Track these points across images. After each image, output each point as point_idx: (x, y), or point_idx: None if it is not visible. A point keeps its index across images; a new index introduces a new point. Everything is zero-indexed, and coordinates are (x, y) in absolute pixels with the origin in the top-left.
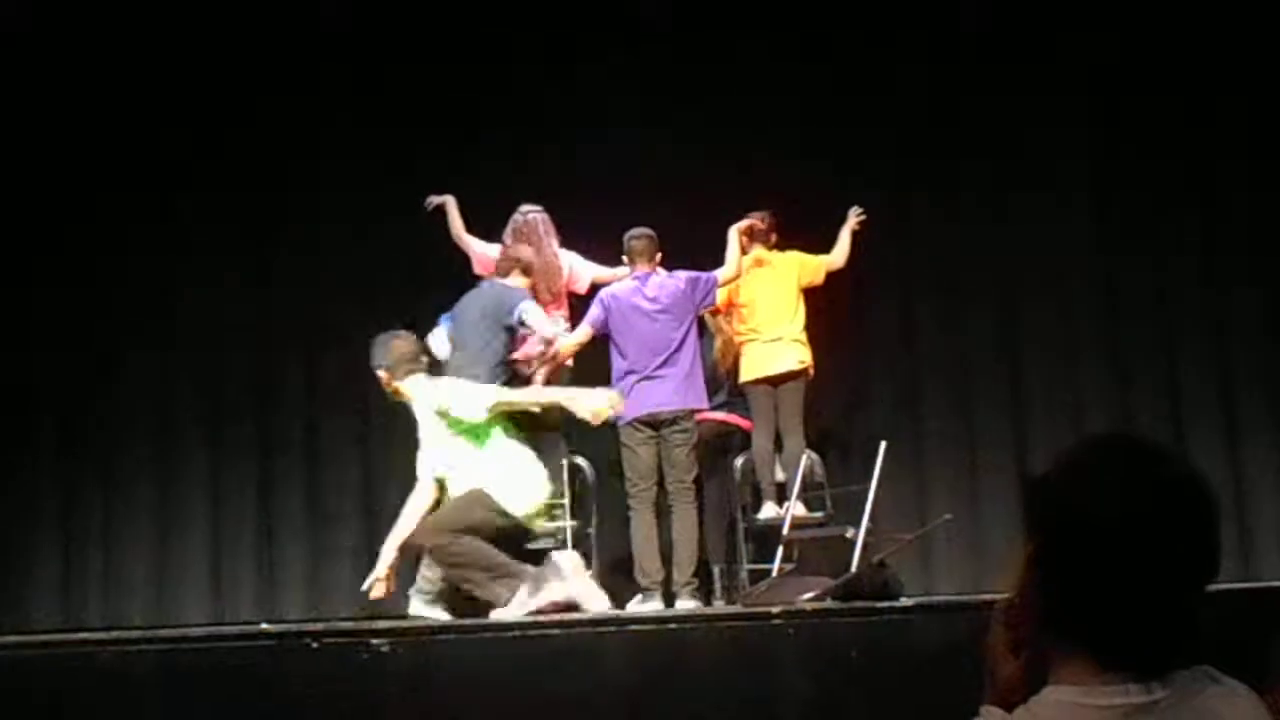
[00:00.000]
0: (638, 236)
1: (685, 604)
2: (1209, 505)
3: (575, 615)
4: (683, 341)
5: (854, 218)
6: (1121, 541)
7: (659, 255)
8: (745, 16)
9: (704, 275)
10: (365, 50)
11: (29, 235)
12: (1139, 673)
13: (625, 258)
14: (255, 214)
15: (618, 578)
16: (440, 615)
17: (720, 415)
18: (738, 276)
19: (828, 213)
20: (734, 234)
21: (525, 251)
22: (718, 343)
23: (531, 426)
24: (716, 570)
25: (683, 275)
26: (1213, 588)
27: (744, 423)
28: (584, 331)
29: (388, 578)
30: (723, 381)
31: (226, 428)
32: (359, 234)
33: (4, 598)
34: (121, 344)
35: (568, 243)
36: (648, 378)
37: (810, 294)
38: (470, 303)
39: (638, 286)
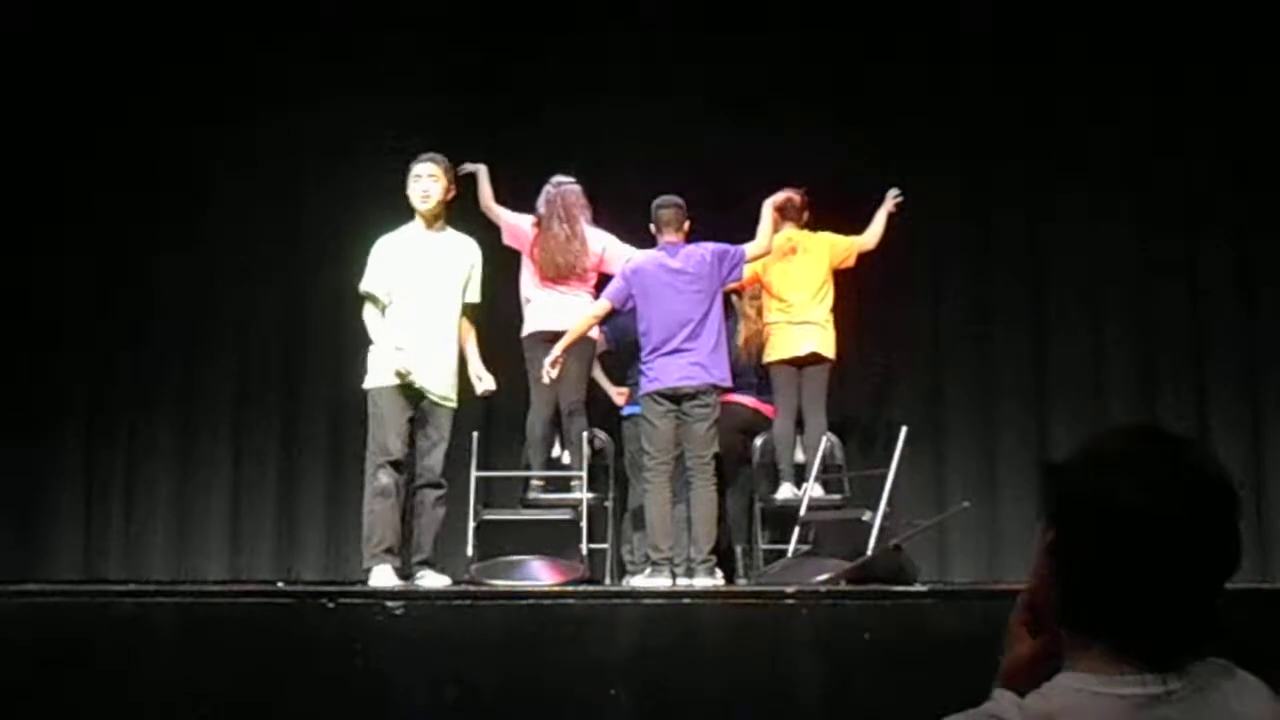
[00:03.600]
0: (666, 205)
1: (702, 581)
2: (1232, 499)
3: (590, 586)
4: (707, 314)
5: (891, 200)
6: (1143, 532)
7: (687, 225)
8: (756, 15)
9: (733, 248)
10: (363, 51)
11: (34, 229)
12: (1155, 664)
13: (652, 227)
14: (263, 208)
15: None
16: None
17: (749, 400)
18: (768, 252)
19: (847, 210)
20: (768, 208)
21: None
22: (741, 327)
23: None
24: (739, 550)
25: (710, 247)
26: (1229, 586)
27: (771, 410)
28: (602, 305)
29: None
30: (747, 366)
31: (251, 387)
32: (389, 212)
33: (27, 552)
34: (149, 304)
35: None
36: (671, 352)
37: (838, 279)
38: None
39: (664, 257)
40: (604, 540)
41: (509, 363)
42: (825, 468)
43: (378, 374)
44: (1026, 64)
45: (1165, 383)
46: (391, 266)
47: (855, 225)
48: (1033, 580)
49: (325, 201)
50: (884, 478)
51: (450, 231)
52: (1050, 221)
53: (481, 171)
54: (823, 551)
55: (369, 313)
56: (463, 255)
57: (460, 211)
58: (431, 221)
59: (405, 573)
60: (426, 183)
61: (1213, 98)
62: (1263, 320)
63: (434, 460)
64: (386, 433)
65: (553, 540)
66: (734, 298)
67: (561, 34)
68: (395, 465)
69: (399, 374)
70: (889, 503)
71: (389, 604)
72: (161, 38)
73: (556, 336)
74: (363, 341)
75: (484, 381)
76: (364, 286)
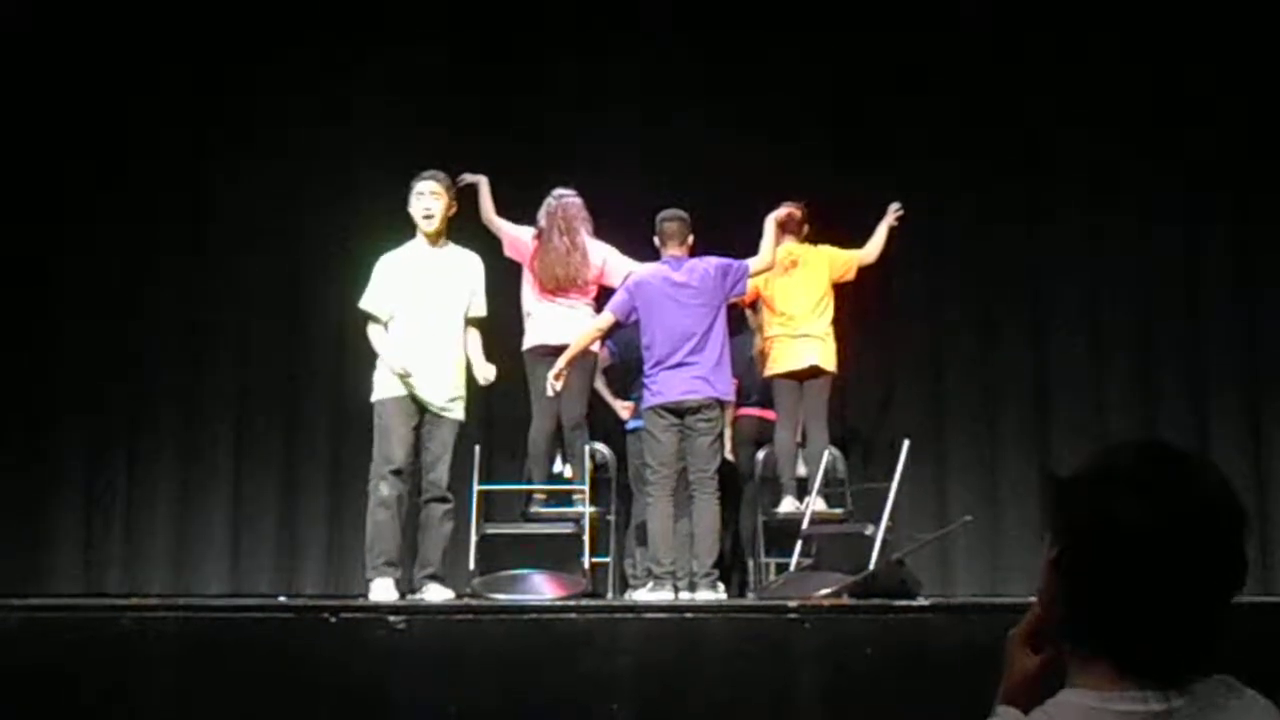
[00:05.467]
0: (670, 218)
1: (704, 595)
2: (1238, 518)
3: (592, 601)
4: (711, 328)
5: (892, 213)
6: (1149, 549)
7: (691, 238)
8: (766, 16)
9: (736, 263)
10: (365, 57)
11: (34, 230)
12: (1159, 681)
13: (656, 239)
14: (265, 213)
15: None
16: None
17: (759, 411)
18: (771, 267)
19: (849, 218)
20: (770, 223)
21: None
22: (757, 339)
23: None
24: (751, 564)
25: (714, 261)
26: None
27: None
28: (606, 318)
29: None
30: (760, 379)
31: (252, 400)
32: (391, 223)
33: (26, 564)
34: (149, 315)
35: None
36: (675, 365)
37: (840, 290)
38: None
39: (667, 270)
40: (606, 554)
41: (510, 376)
42: (827, 481)
43: (383, 387)
44: (1026, 68)
45: (1167, 393)
46: (394, 284)
47: (855, 236)
48: (1038, 596)
49: (328, 208)
50: (886, 491)
51: (452, 247)
52: (1051, 231)
53: (482, 183)
54: (825, 565)
55: (372, 330)
56: (465, 270)
57: (461, 223)
58: (434, 239)
59: (411, 586)
60: (429, 200)
61: (1213, 100)
62: (1264, 328)
63: (439, 474)
64: (390, 442)
65: (555, 554)
66: (748, 312)
67: (562, 43)
68: (397, 474)
69: (400, 375)
70: (891, 516)
71: (391, 619)
72: (162, 38)
73: (557, 350)
74: (364, 354)
75: (485, 372)
76: (363, 304)
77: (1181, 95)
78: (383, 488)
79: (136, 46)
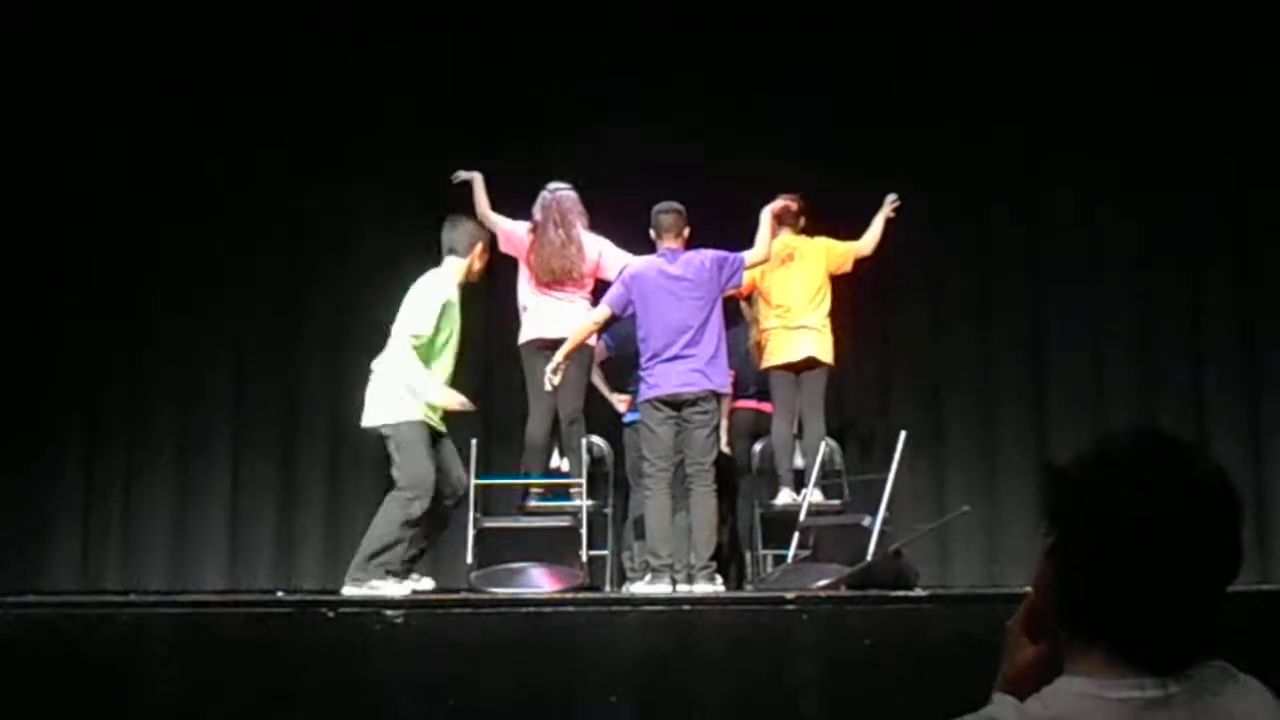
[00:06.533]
0: (665, 211)
1: (702, 587)
2: (1234, 507)
3: (590, 594)
4: (707, 321)
5: (889, 205)
6: (1146, 538)
7: (687, 231)
8: (766, 16)
9: (732, 255)
10: (364, 52)
11: (34, 231)
12: (1155, 668)
13: (652, 232)
14: (265, 212)
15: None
16: None
17: (755, 404)
18: (767, 260)
19: (847, 211)
20: (766, 215)
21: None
22: (752, 332)
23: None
24: (749, 556)
25: (710, 253)
26: (1230, 588)
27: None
28: (602, 311)
29: None
30: (757, 371)
31: (249, 396)
32: (389, 218)
33: (25, 561)
34: (149, 315)
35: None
36: (671, 358)
37: (837, 282)
38: None
39: (663, 263)
40: (603, 547)
41: (507, 370)
42: (824, 473)
43: (407, 409)
44: (1026, 65)
45: (1165, 385)
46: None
47: (853, 230)
48: (1035, 584)
49: (328, 208)
50: (883, 482)
51: None
52: (1048, 224)
53: (477, 179)
54: (822, 557)
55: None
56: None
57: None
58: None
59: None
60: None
61: (1213, 97)
62: (1263, 322)
63: (460, 473)
64: (427, 463)
65: (552, 548)
66: (743, 304)
67: (562, 43)
68: (426, 493)
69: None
70: (888, 507)
71: (388, 613)
72: (161, 37)
73: (554, 344)
74: (363, 354)
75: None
76: (418, 330)
77: (1181, 94)
78: (415, 506)
79: (136, 46)
